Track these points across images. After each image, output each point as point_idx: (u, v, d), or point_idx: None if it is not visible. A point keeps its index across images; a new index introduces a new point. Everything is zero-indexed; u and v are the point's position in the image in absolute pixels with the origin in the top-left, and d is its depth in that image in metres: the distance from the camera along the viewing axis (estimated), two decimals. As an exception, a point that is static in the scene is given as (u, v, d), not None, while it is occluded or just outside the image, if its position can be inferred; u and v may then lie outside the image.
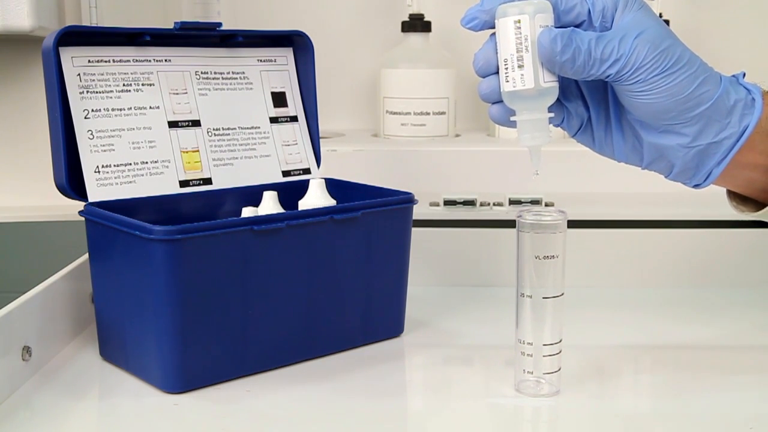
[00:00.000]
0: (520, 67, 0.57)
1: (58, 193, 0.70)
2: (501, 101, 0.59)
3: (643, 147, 0.61)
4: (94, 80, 0.72)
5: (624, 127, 0.62)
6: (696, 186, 0.63)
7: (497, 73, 0.59)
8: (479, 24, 0.59)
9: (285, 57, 0.84)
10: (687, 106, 0.58)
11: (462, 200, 0.93)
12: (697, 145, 0.59)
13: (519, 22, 0.57)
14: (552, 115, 0.59)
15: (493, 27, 0.59)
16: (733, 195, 0.67)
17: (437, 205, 0.93)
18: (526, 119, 0.58)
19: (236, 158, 0.79)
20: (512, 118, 0.59)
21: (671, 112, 0.58)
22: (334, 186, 0.79)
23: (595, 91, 0.62)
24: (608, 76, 0.57)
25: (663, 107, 0.58)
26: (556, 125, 0.62)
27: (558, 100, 0.60)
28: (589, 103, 0.63)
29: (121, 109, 0.73)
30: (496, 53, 0.58)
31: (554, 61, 0.56)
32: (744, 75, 0.61)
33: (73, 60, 0.71)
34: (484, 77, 0.60)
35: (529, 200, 0.93)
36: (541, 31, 0.57)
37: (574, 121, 0.62)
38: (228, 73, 0.81)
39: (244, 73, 0.81)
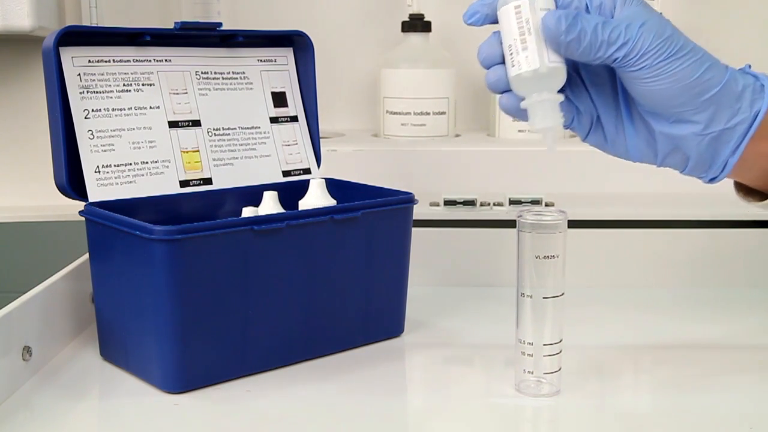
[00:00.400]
0: (524, 49, 0.57)
1: (58, 193, 0.70)
2: (510, 90, 0.59)
3: (656, 140, 0.61)
4: (94, 80, 0.72)
5: (635, 120, 0.62)
6: (712, 180, 0.62)
7: (503, 63, 0.59)
8: (481, 18, 0.59)
9: (285, 57, 0.84)
10: (695, 91, 0.58)
11: (462, 200, 0.93)
12: (709, 132, 0.59)
13: (519, 7, 0.57)
14: (562, 97, 0.59)
15: (495, 22, 0.59)
16: (740, 185, 0.67)
17: (437, 205, 0.93)
18: (535, 101, 0.58)
19: (236, 158, 0.79)
20: (522, 104, 0.59)
21: (680, 98, 0.58)
22: (334, 186, 0.79)
23: (602, 87, 0.62)
24: (615, 60, 0.57)
25: (671, 93, 0.58)
26: (567, 127, 0.62)
27: (567, 98, 0.60)
28: (596, 99, 0.62)
29: (121, 109, 0.73)
30: (501, 44, 0.59)
31: (559, 41, 0.57)
32: (750, 67, 0.61)
33: (74, 60, 0.71)
34: (488, 68, 0.60)
35: (529, 200, 0.93)
36: (546, 13, 0.57)
37: (584, 120, 0.62)
38: (228, 73, 0.81)
39: (244, 73, 0.81)
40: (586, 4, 0.58)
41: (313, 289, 0.69)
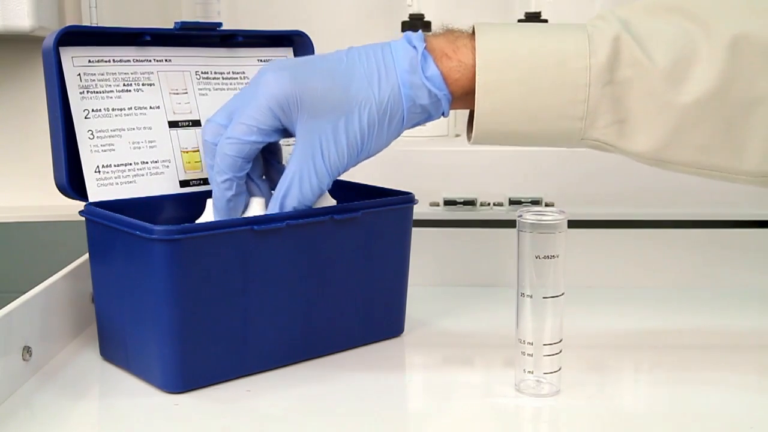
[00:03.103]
0: None
1: (59, 193, 0.70)
2: None
3: None
4: (94, 80, 0.72)
5: None
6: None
7: None
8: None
9: (285, 57, 0.84)
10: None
11: (462, 200, 0.93)
12: None
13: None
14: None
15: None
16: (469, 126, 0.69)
17: (437, 205, 0.93)
18: None
19: (236, 158, 0.79)
20: None
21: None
22: (334, 186, 0.79)
23: None
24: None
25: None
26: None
27: None
28: None
29: (121, 109, 0.73)
30: None
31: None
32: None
33: (74, 60, 0.71)
34: None
35: (529, 200, 0.93)
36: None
37: None
38: (228, 73, 0.81)
39: (244, 73, 0.81)
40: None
41: (313, 289, 0.69)
